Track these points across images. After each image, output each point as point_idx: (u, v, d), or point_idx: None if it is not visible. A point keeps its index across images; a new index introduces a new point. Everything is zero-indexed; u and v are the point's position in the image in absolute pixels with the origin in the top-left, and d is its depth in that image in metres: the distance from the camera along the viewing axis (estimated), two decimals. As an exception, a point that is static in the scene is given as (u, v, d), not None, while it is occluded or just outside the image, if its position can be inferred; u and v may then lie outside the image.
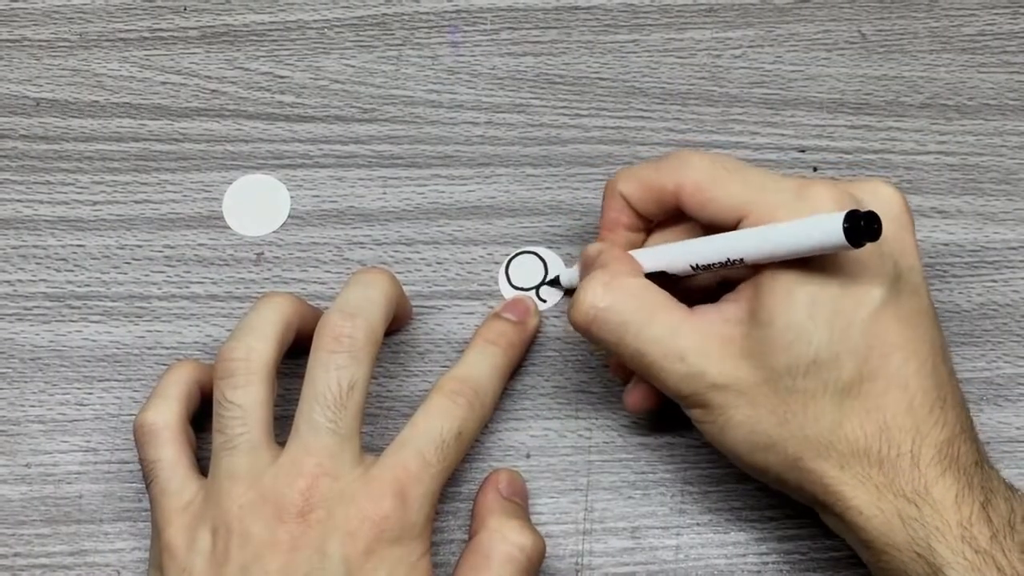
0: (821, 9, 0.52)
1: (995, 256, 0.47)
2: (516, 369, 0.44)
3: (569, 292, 0.46)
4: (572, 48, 0.51)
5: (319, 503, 0.36)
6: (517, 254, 0.47)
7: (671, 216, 0.40)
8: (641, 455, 0.43)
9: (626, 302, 0.37)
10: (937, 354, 0.37)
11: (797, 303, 0.35)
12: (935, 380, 0.36)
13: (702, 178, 0.38)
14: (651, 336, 0.37)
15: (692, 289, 0.41)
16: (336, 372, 0.37)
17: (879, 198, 0.36)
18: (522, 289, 0.46)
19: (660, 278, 0.39)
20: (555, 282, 0.46)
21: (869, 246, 0.34)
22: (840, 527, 0.37)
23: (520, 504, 0.41)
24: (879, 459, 0.35)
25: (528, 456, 0.44)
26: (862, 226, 0.33)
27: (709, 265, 0.37)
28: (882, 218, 0.33)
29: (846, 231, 0.33)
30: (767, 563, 0.42)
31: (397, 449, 0.38)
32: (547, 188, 0.48)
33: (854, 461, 0.35)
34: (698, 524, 0.43)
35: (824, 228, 0.33)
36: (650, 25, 0.51)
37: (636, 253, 0.40)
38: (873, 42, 0.51)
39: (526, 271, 0.46)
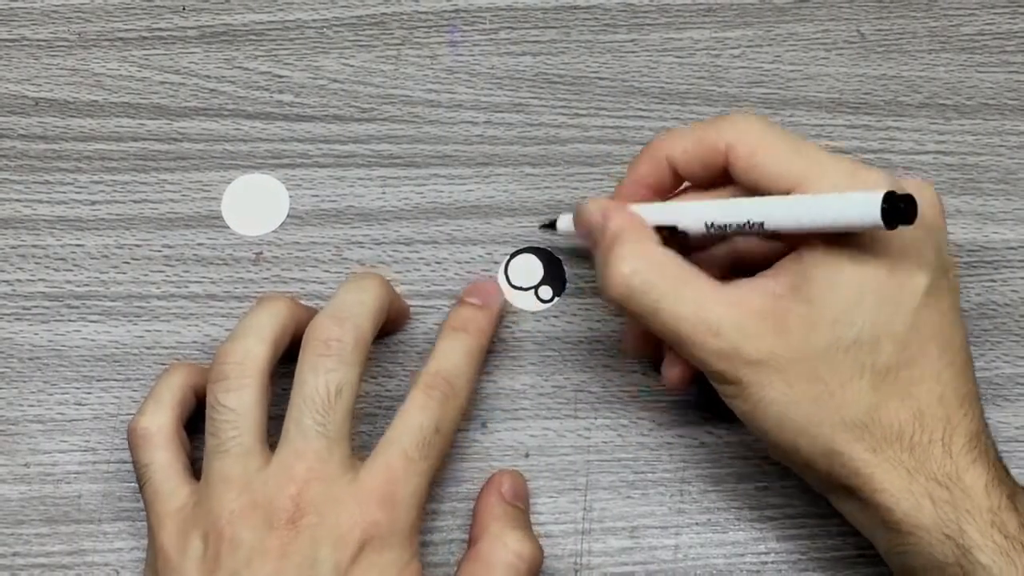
0: (820, 9, 0.52)
1: (994, 256, 0.47)
2: (520, 371, 0.44)
3: (563, 235, 0.45)
4: (571, 48, 0.51)
5: (309, 508, 0.36)
6: (516, 253, 0.47)
7: (711, 180, 0.39)
8: (640, 455, 0.43)
9: (659, 275, 0.37)
10: (964, 352, 0.37)
11: (846, 283, 0.35)
12: (964, 377, 0.36)
13: (756, 141, 0.37)
14: (684, 310, 0.36)
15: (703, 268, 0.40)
16: (324, 376, 0.37)
17: (923, 197, 0.36)
18: (521, 289, 0.46)
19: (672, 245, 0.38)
20: (551, 225, 0.45)
21: (916, 235, 0.34)
22: (862, 511, 0.37)
23: (522, 509, 0.41)
24: (911, 444, 0.35)
25: (527, 456, 0.44)
26: (901, 208, 0.33)
27: (725, 226, 0.37)
28: (925, 217, 0.33)
29: (883, 211, 0.32)
30: (766, 563, 0.42)
31: (382, 451, 0.38)
32: (546, 188, 0.48)
33: (886, 445, 0.35)
34: (697, 524, 0.43)
35: (862, 204, 0.33)
36: (649, 25, 0.51)
37: (647, 207, 0.39)
38: (872, 42, 0.51)
39: (525, 271, 0.46)
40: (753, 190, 0.37)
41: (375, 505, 0.36)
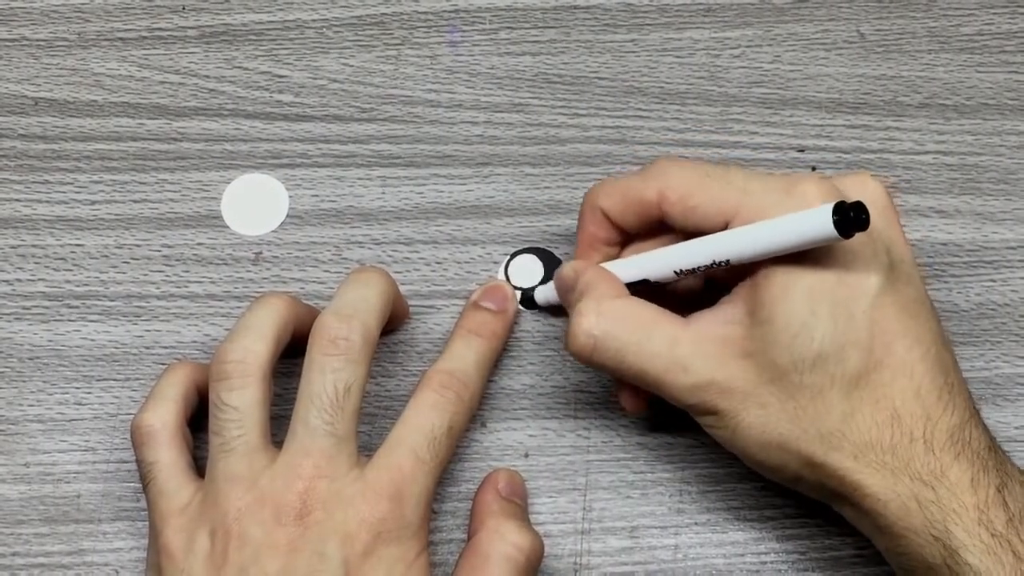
0: (820, 9, 0.52)
1: (993, 256, 0.47)
2: (520, 371, 0.44)
3: (544, 308, 0.45)
4: (571, 48, 0.51)
5: (317, 505, 0.36)
6: (516, 253, 0.47)
7: (650, 228, 0.40)
8: (639, 455, 0.43)
9: (621, 325, 0.37)
10: (938, 341, 0.37)
11: (796, 298, 0.35)
12: (940, 367, 0.36)
13: (685, 186, 0.38)
14: (651, 353, 0.37)
15: (678, 295, 0.41)
16: (332, 375, 0.37)
17: (866, 192, 0.36)
18: (521, 289, 0.46)
19: (643, 288, 0.39)
20: (530, 300, 0.46)
21: (860, 237, 0.34)
22: (857, 516, 0.37)
23: (519, 504, 0.41)
24: (892, 445, 0.35)
25: (526, 456, 0.44)
26: (851, 217, 0.33)
27: (694, 269, 0.37)
28: (870, 210, 0.33)
29: (836, 223, 0.33)
30: (765, 563, 0.42)
31: (391, 449, 0.38)
32: (546, 188, 0.48)
33: (867, 450, 0.35)
34: (696, 523, 0.43)
35: (813, 222, 0.33)
36: (649, 25, 0.51)
37: (616, 264, 0.40)
38: (872, 42, 0.51)
39: (525, 271, 0.46)
40: (693, 233, 0.38)
41: (383, 502, 0.36)
